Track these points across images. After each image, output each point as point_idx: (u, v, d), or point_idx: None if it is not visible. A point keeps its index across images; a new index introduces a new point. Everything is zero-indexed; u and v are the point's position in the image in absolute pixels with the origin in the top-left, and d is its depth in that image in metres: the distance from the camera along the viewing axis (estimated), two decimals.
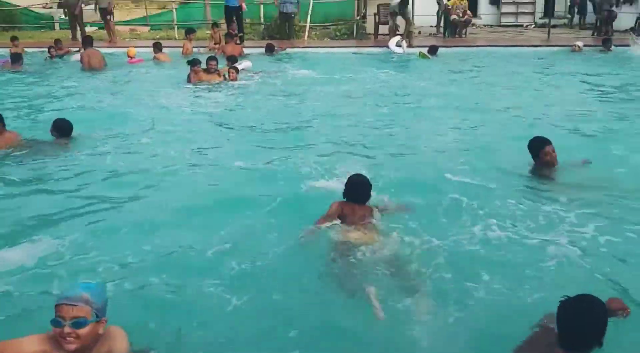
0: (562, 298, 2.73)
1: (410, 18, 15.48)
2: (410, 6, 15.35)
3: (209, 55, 11.59)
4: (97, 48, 12.60)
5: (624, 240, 4.21)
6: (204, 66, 10.48)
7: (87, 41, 12.69)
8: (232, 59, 11.41)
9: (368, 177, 4.54)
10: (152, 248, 4.21)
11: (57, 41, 13.90)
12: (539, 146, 5.30)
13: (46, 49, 13.55)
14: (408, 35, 15.24)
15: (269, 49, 14.41)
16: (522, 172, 5.47)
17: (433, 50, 14.04)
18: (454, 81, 11.08)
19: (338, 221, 4.27)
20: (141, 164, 6.11)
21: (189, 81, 10.29)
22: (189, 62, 10.52)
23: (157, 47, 13.51)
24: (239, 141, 6.96)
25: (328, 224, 4.24)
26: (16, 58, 12.26)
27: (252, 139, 7.02)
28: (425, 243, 4.17)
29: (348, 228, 4.23)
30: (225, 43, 14.06)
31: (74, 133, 6.75)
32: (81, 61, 12.22)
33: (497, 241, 4.25)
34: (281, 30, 16.85)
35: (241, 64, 11.37)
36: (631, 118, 7.79)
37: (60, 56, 13.32)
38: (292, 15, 16.67)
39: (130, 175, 5.80)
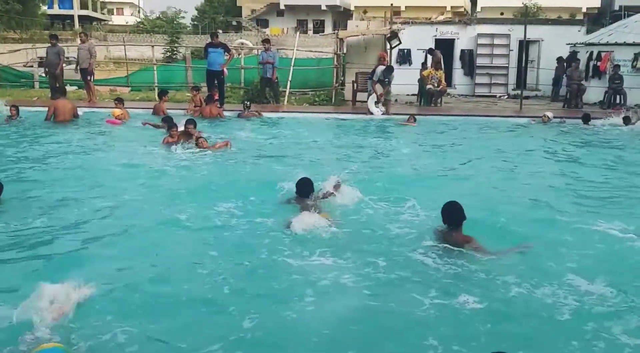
0: None
1: (390, 86, 15.89)
2: (393, 73, 15.74)
3: (188, 117, 11.66)
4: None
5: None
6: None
7: (59, 91, 13.10)
8: (191, 122, 10.62)
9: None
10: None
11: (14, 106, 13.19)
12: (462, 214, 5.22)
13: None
14: (385, 103, 15.61)
15: (246, 107, 14.70)
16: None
17: (414, 119, 14.21)
18: (426, 148, 11.33)
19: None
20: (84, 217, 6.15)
21: (163, 141, 10.30)
22: (168, 126, 10.56)
23: (120, 101, 13.79)
24: (203, 203, 6.74)
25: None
26: None
27: (220, 201, 6.91)
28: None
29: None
30: (206, 105, 14.31)
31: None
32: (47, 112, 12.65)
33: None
34: (261, 95, 17.15)
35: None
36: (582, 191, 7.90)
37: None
38: (275, 80, 17.05)
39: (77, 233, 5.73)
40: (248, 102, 15.13)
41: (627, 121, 13.80)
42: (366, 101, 15.78)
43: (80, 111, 13.45)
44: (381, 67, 15.38)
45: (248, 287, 4.52)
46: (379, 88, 15.37)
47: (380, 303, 4.30)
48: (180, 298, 4.33)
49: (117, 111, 13.24)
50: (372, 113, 15.21)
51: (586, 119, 14.33)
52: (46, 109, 13.14)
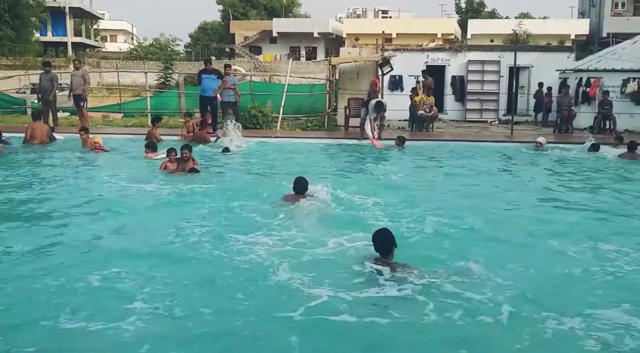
0: None
1: (384, 115, 15.93)
2: (386, 106, 15.74)
3: (184, 143, 11.61)
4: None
5: None
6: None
7: (36, 115, 14.10)
8: (188, 148, 10.40)
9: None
10: None
11: None
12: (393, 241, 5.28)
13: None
14: (379, 127, 15.67)
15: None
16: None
17: (401, 141, 14.43)
18: (417, 172, 11.45)
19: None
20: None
21: (161, 167, 10.30)
22: (168, 150, 10.57)
23: (85, 131, 13.55)
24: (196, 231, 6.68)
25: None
26: None
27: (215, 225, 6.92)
28: None
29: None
30: (199, 130, 14.31)
31: None
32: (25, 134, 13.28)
33: None
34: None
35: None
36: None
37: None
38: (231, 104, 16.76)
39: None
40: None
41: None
42: (358, 127, 15.83)
43: (61, 135, 14.15)
44: (373, 102, 15.27)
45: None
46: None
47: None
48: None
49: (98, 138, 13.01)
50: (366, 138, 15.24)
51: (595, 148, 14.12)
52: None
